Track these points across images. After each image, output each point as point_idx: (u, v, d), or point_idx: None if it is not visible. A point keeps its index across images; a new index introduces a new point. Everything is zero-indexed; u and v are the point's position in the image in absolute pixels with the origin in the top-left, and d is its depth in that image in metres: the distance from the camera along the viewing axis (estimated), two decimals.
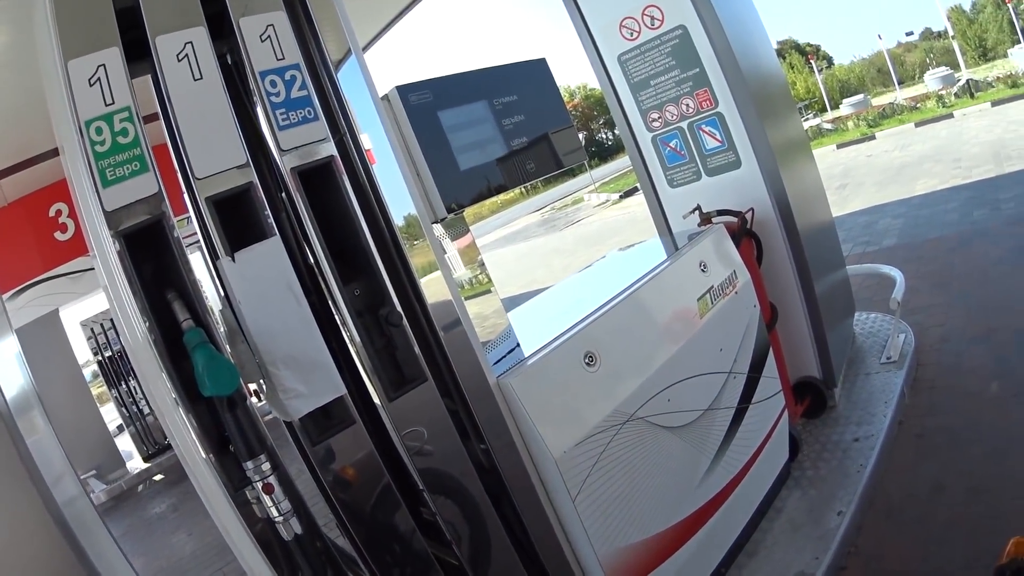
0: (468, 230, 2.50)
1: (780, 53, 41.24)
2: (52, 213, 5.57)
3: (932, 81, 25.29)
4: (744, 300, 3.12)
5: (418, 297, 2.11)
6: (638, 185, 4.42)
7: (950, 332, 4.64)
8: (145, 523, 7.05)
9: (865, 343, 4.63)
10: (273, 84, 1.92)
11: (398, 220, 2.10)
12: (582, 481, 2.27)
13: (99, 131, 1.68)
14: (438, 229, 2.29)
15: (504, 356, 2.43)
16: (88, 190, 1.67)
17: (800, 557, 2.85)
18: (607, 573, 2.32)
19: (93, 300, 8.18)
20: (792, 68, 40.12)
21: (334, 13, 2.12)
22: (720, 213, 3.53)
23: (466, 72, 2.53)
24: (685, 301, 2.85)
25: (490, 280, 2.58)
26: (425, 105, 2.30)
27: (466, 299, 2.30)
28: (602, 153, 50.29)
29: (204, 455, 1.73)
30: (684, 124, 3.88)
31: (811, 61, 38.13)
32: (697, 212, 3.53)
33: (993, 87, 19.93)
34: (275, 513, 1.72)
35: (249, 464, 1.68)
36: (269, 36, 1.93)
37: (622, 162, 34.00)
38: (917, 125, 18.26)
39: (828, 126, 22.99)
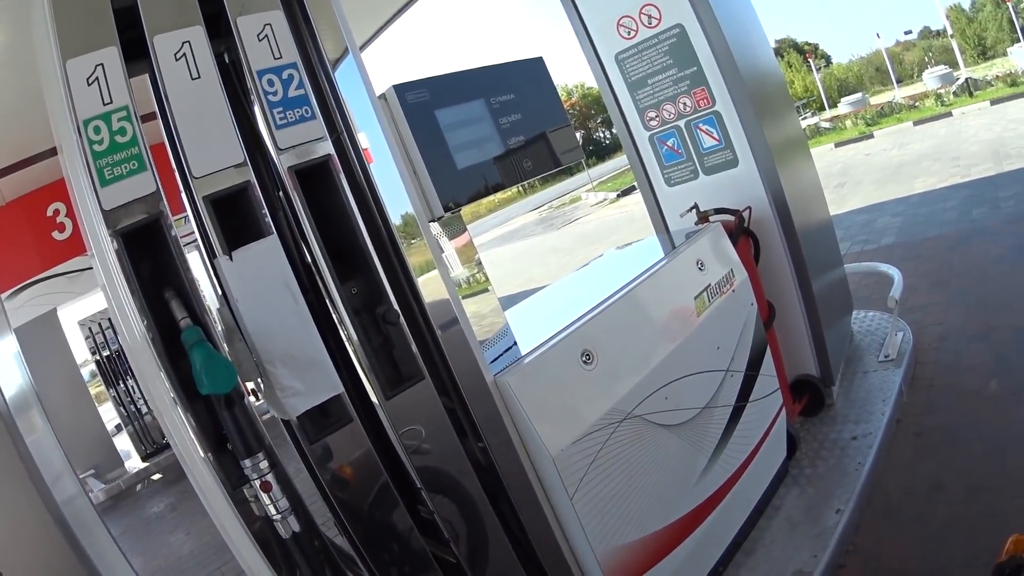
0: (465, 229, 2.50)
1: (778, 52, 41.21)
2: (50, 212, 5.56)
3: (931, 80, 25.28)
4: (741, 298, 3.12)
5: (415, 296, 2.11)
6: (635, 184, 4.42)
7: (949, 330, 4.64)
8: (143, 522, 7.06)
9: (863, 341, 4.63)
10: (270, 83, 1.92)
11: (395, 219, 2.10)
12: (579, 479, 2.27)
13: (97, 130, 1.68)
14: (435, 228, 2.29)
15: (501, 354, 2.43)
16: (86, 189, 1.67)
17: (798, 555, 2.85)
18: (605, 571, 2.32)
19: (91, 299, 8.19)
20: (790, 67, 40.07)
21: (331, 12, 2.12)
22: (717, 212, 3.54)
23: (463, 71, 2.53)
24: (682, 299, 2.86)
25: (487, 279, 2.58)
26: (422, 104, 2.30)
27: (463, 298, 2.30)
28: (600, 152, 50.23)
29: (202, 453, 1.73)
30: (681, 123, 3.88)
31: (809, 60, 38.08)
32: (694, 211, 3.52)
33: (992, 86, 19.92)
34: (273, 511, 1.73)
35: (247, 462, 1.68)
36: (266, 35, 1.94)
37: (619, 161, 34.01)
38: (915, 124, 18.23)
39: (826, 125, 22.96)
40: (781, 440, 3.30)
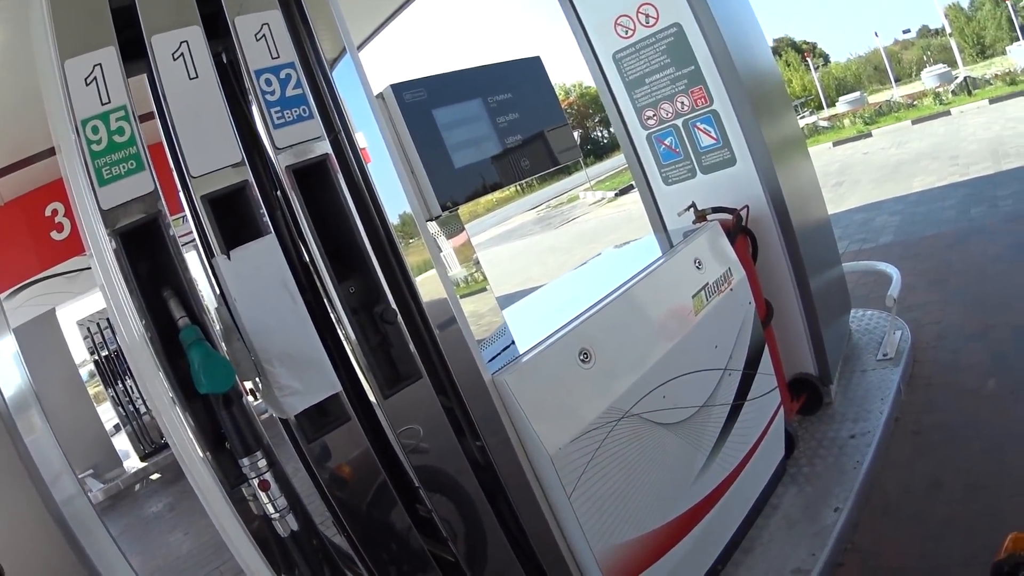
0: (463, 228, 2.50)
1: (776, 51, 41.26)
2: (48, 212, 5.55)
3: (929, 78, 25.31)
4: (739, 297, 3.13)
5: (413, 295, 2.11)
6: (633, 183, 4.42)
7: (947, 329, 4.65)
8: (142, 522, 7.06)
9: (861, 340, 4.64)
10: (268, 83, 1.92)
11: (393, 218, 2.10)
12: (577, 478, 2.27)
13: (95, 130, 1.68)
14: (433, 227, 2.29)
15: (499, 353, 2.44)
16: (84, 189, 1.68)
17: (796, 553, 2.86)
18: (603, 570, 2.32)
19: (90, 299, 8.20)
20: (788, 66, 40.11)
21: (329, 12, 2.12)
22: (715, 210, 3.54)
23: (461, 70, 2.53)
24: (680, 298, 2.86)
25: (485, 278, 2.58)
26: (420, 103, 2.30)
27: (461, 297, 2.30)
28: (597, 151, 50.27)
29: (200, 452, 1.73)
30: (679, 122, 3.88)
31: (807, 59, 38.11)
32: (692, 209, 3.53)
33: (991, 84, 19.92)
34: (271, 510, 1.73)
35: (245, 461, 1.69)
36: (264, 35, 1.94)
37: (617, 160, 34.05)
38: (914, 123, 18.25)
39: (824, 124, 22.96)
40: (779, 439, 3.30)
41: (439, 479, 2.11)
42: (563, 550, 2.31)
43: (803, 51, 42.65)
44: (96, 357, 9.88)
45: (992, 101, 17.33)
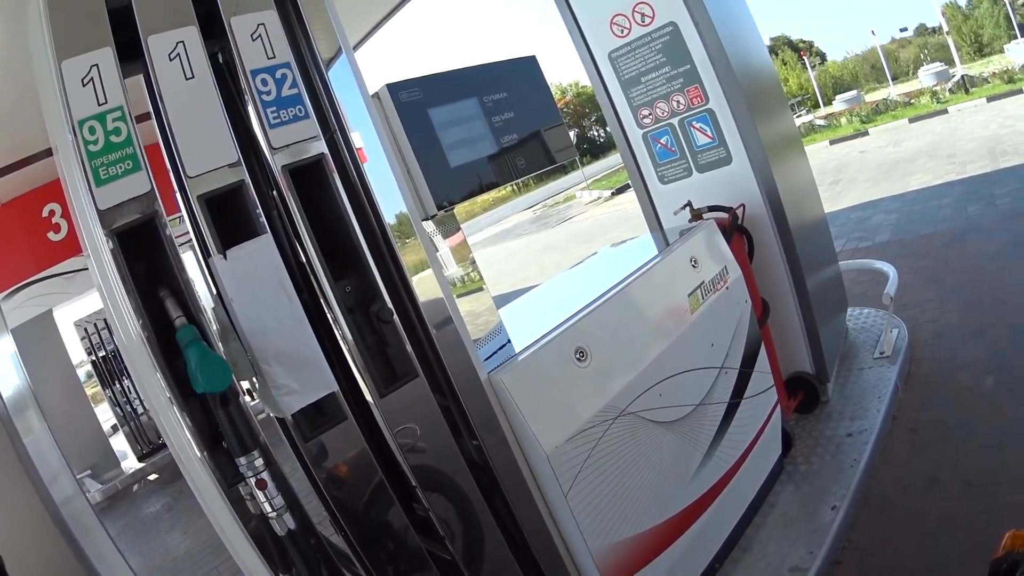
0: (459, 227, 2.51)
1: (773, 49, 41.35)
2: (45, 213, 5.54)
3: (926, 77, 25.37)
4: (735, 295, 3.13)
5: (409, 294, 2.11)
6: (629, 182, 4.43)
7: (944, 327, 4.66)
8: (140, 522, 7.05)
9: (858, 338, 4.65)
10: (264, 83, 1.92)
11: (389, 218, 2.10)
12: (574, 476, 2.28)
13: (92, 130, 1.68)
14: (429, 226, 2.30)
15: (495, 352, 2.44)
16: (81, 189, 1.68)
17: (794, 552, 2.86)
18: (600, 568, 2.33)
19: (87, 300, 8.17)
20: (785, 64, 40.14)
21: (325, 12, 2.12)
22: (711, 209, 3.54)
23: (456, 70, 2.53)
24: (676, 297, 2.87)
25: (481, 278, 2.59)
26: (415, 103, 2.31)
27: (457, 296, 2.30)
28: (594, 150, 50.29)
29: (198, 452, 1.74)
30: (675, 120, 3.89)
31: (804, 57, 38.16)
32: (688, 208, 3.53)
33: (989, 82, 19.94)
34: (269, 509, 1.73)
35: (242, 460, 1.69)
36: (260, 35, 1.94)
37: (614, 159, 34.08)
38: (911, 121, 18.27)
39: (821, 122, 22.99)
40: (776, 437, 3.31)
41: (436, 478, 2.11)
42: (560, 548, 2.31)
43: (800, 49, 42.78)
44: (94, 358, 9.85)
45: (990, 99, 17.36)
